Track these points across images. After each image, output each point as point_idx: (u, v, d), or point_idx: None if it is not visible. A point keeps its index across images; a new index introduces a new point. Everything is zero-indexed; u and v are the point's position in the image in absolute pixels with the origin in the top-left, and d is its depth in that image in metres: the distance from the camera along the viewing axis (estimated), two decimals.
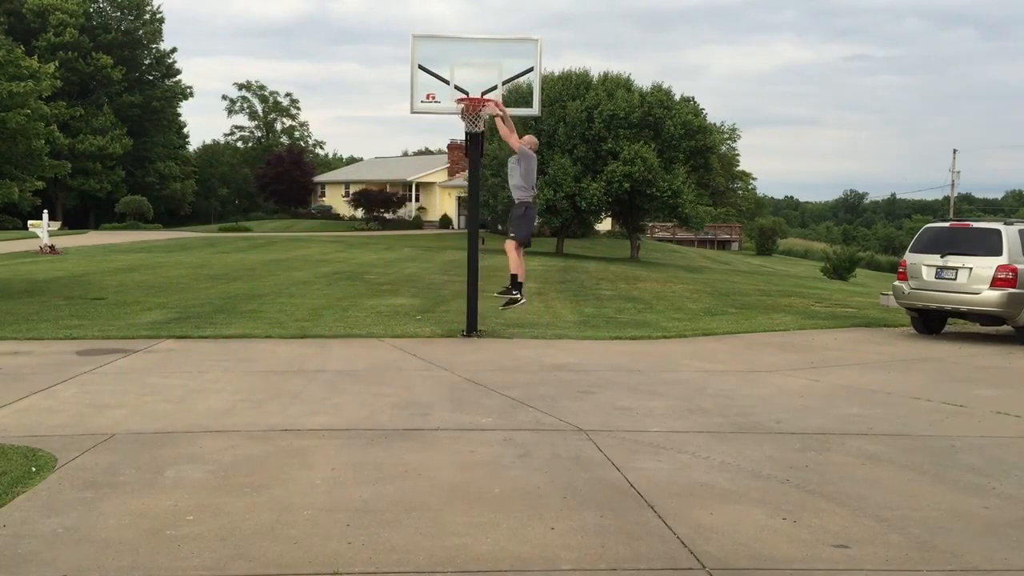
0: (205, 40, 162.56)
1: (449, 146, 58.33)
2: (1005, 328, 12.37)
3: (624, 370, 8.98)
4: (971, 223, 12.40)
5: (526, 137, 10.69)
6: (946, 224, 12.76)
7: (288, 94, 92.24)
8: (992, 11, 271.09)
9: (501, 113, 10.56)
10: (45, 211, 28.49)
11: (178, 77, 70.04)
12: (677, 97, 37.42)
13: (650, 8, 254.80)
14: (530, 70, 11.18)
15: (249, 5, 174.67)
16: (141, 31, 66.52)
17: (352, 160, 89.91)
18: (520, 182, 10.21)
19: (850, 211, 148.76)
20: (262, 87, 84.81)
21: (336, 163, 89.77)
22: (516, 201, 10.26)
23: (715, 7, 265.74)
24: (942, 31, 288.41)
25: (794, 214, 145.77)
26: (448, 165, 58.76)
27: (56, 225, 29.63)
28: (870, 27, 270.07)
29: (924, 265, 12.26)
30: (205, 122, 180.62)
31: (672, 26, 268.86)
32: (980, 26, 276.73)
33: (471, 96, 10.71)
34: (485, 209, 35.90)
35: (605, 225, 49.96)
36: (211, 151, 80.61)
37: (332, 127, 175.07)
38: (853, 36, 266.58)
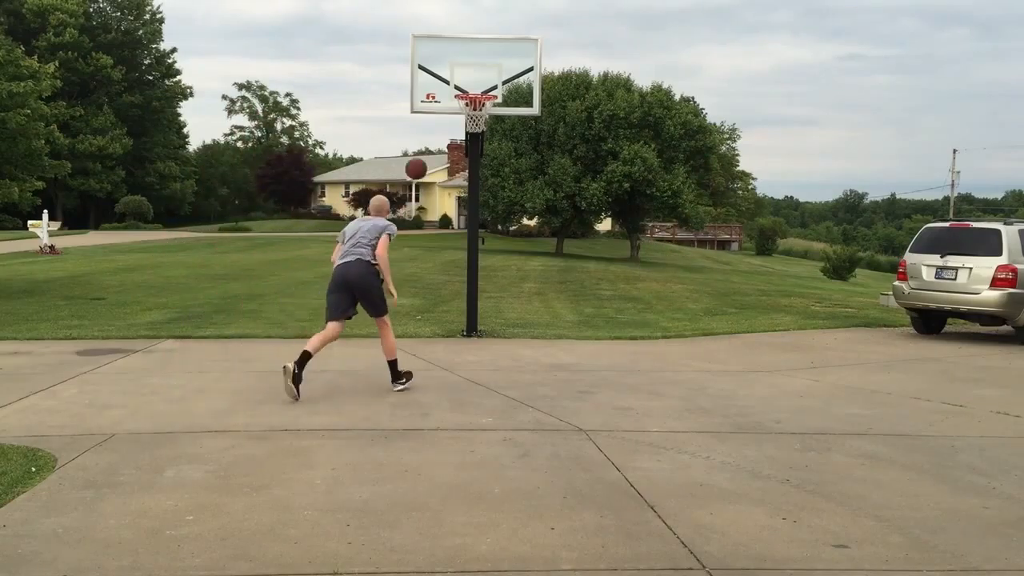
0: (200, 40, 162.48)
1: (449, 146, 58.34)
2: (1005, 328, 12.37)
3: (624, 370, 8.98)
4: (971, 223, 12.40)
5: None
6: (946, 224, 12.75)
7: (288, 94, 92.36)
8: (985, 11, 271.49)
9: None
10: (45, 211, 28.50)
11: (178, 77, 70.07)
12: (677, 97, 37.44)
13: (644, 8, 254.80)
14: (530, 70, 11.19)
15: (241, 5, 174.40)
16: (141, 31, 66.52)
17: (352, 160, 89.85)
18: None
19: (850, 211, 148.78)
20: (262, 87, 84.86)
21: (336, 163, 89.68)
22: None
23: (709, 7, 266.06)
24: (936, 31, 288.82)
25: (794, 214, 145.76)
26: (448, 165, 58.77)
27: (56, 225, 29.66)
28: (864, 27, 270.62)
29: (924, 265, 12.26)
30: (205, 122, 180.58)
31: (667, 26, 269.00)
32: (973, 26, 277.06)
33: (471, 94, 10.75)
34: (485, 209, 35.88)
35: (605, 225, 49.96)
36: (211, 151, 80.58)
37: (331, 127, 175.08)
38: (847, 36, 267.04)
